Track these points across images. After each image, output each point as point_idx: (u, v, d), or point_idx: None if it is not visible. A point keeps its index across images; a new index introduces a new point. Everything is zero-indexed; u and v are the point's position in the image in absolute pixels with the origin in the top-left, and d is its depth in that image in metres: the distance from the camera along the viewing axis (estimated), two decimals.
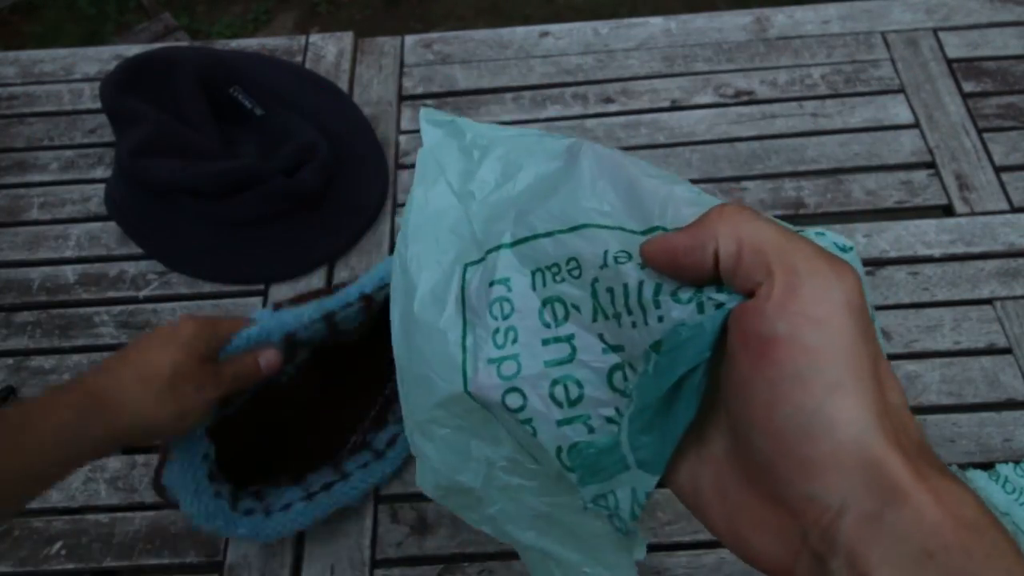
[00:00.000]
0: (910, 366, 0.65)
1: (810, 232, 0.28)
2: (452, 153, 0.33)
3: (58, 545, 0.60)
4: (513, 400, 0.28)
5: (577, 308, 0.28)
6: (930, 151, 0.76)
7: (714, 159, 0.77)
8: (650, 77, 0.83)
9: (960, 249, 0.70)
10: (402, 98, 0.84)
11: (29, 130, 0.83)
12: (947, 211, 0.73)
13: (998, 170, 0.75)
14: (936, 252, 0.70)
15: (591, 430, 0.27)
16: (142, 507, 0.61)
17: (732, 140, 0.78)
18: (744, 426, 0.24)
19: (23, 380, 0.67)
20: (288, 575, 0.58)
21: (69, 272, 0.73)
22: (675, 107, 0.81)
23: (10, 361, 0.69)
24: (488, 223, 0.31)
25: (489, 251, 0.30)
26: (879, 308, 0.68)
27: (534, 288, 0.29)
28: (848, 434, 0.21)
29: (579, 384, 0.27)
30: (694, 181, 0.76)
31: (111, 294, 0.72)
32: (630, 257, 0.27)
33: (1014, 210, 0.72)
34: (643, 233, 0.27)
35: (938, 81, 0.81)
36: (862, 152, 0.77)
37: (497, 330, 0.29)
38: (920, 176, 0.75)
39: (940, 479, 0.21)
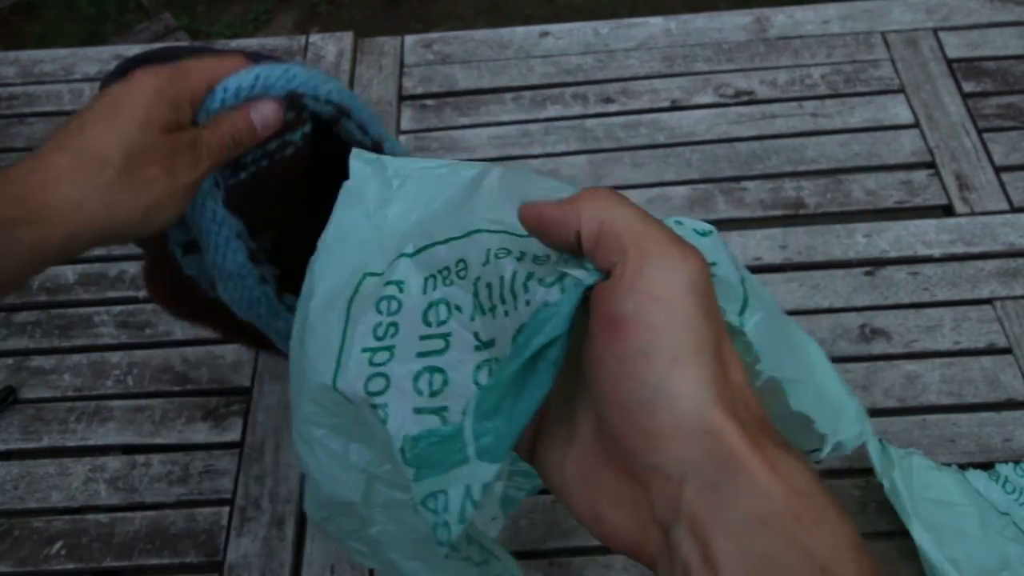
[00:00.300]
0: (910, 366, 0.65)
1: (670, 220, 0.30)
2: (373, 184, 0.35)
3: (58, 545, 0.60)
4: (375, 384, 0.28)
5: (459, 308, 0.29)
6: (930, 151, 0.76)
7: (714, 159, 0.77)
8: (650, 77, 0.83)
9: (960, 249, 0.70)
10: (402, 98, 0.84)
11: (29, 130, 0.83)
12: (947, 211, 0.73)
13: (998, 170, 0.75)
14: (936, 252, 0.70)
15: (444, 422, 0.27)
16: (142, 507, 0.61)
17: (732, 140, 0.78)
18: (598, 403, 0.25)
19: (23, 380, 0.67)
20: (288, 575, 0.58)
21: (69, 272, 0.73)
22: (675, 107, 0.81)
23: (10, 361, 0.69)
24: (396, 240, 0.32)
25: (391, 262, 0.32)
26: (879, 308, 0.68)
27: (424, 292, 0.30)
28: (686, 406, 0.22)
29: (444, 376, 0.28)
30: (694, 181, 0.76)
31: (111, 294, 0.72)
32: (509, 253, 0.28)
33: (1014, 210, 0.72)
34: (527, 236, 0.28)
35: (938, 81, 0.81)
36: (862, 152, 0.77)
37: (379, 323, 0.29)
38: (920, 176, 0.75)
39: (775, 450, 0.22)
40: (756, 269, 0.70)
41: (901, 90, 0.81)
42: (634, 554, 0.25)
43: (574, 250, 0.26)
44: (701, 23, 0.87)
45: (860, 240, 0.71)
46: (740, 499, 0.21)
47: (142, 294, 0.72)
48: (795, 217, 0.74)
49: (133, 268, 0.73)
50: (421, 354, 0.28)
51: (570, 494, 0.27)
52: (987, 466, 0.59)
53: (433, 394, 0.27)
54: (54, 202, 0.33)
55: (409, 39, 0.88)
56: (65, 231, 0.34)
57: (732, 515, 0.21)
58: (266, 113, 0.39)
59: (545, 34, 0.88)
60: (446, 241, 0.30)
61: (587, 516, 0.26)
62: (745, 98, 0.81)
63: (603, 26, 0.88)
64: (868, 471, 0.57)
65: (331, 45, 0.88)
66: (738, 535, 0.21)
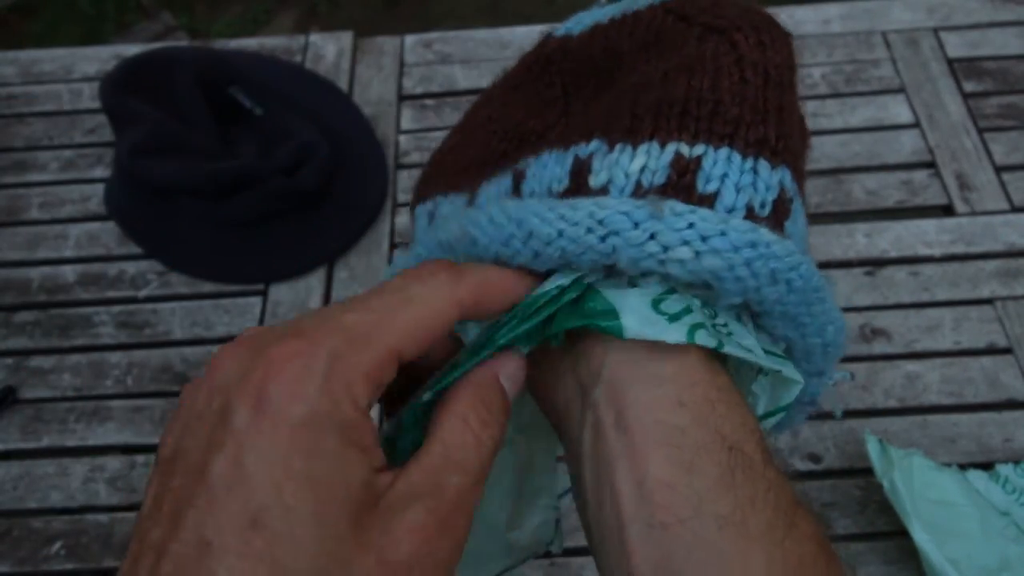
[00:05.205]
0: (910, 366, 0.64)
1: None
2: None
3: (58, 545, 0.60)
4: None
5: None
6: (930, 151, 0.76)
7: None
8: None
9: (960, 249, 0.70)
10: (402, 98, 0.84)
11: (28, 130, 0.83)
12: (947, 211, 0.73)
13: (998, 170, 0.75)
14: (936, 252, 0.70)
15: None
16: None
17: None
18: None
19: (23, 380, 0.67)
20: None
21: (69, 272, 0.73)
22: None
23: (10, 361, 0.68)
24: None
25: None
26: (879, 308, 0.68)
27: None
28: None
29: None
30: None
31: (111, 294, 0.72)
32: None
33: (1014, 210, 0.72)
34: None
35: (938, 81, 0.81)
36: (862, 152, 0.77)
37: None
38: (920, 176, 0.75)
39: (704, 352, 0.23)
40: None
41: (902, 90, 0.80)
42: (546, 404, 0.26)
43: None
44: None
45: (860, 240, 0.71)
46: (664, 379, 0.22)
47: (142, 294, 0.72)
48: None
49: (133, 268, 0.73)
50: None
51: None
52: (987, 466, 0.59)
53: None
54: None
55: (409, 39, 0.88)
56: None
57: (654, 391, 0.22)
58: (512, 371, 0.24)
59: None
60: None
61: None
62: None
63: None
64: (868, 471, 0.57)
65: (331, 45, 0.88)
66: (654, 408, 0.22)
